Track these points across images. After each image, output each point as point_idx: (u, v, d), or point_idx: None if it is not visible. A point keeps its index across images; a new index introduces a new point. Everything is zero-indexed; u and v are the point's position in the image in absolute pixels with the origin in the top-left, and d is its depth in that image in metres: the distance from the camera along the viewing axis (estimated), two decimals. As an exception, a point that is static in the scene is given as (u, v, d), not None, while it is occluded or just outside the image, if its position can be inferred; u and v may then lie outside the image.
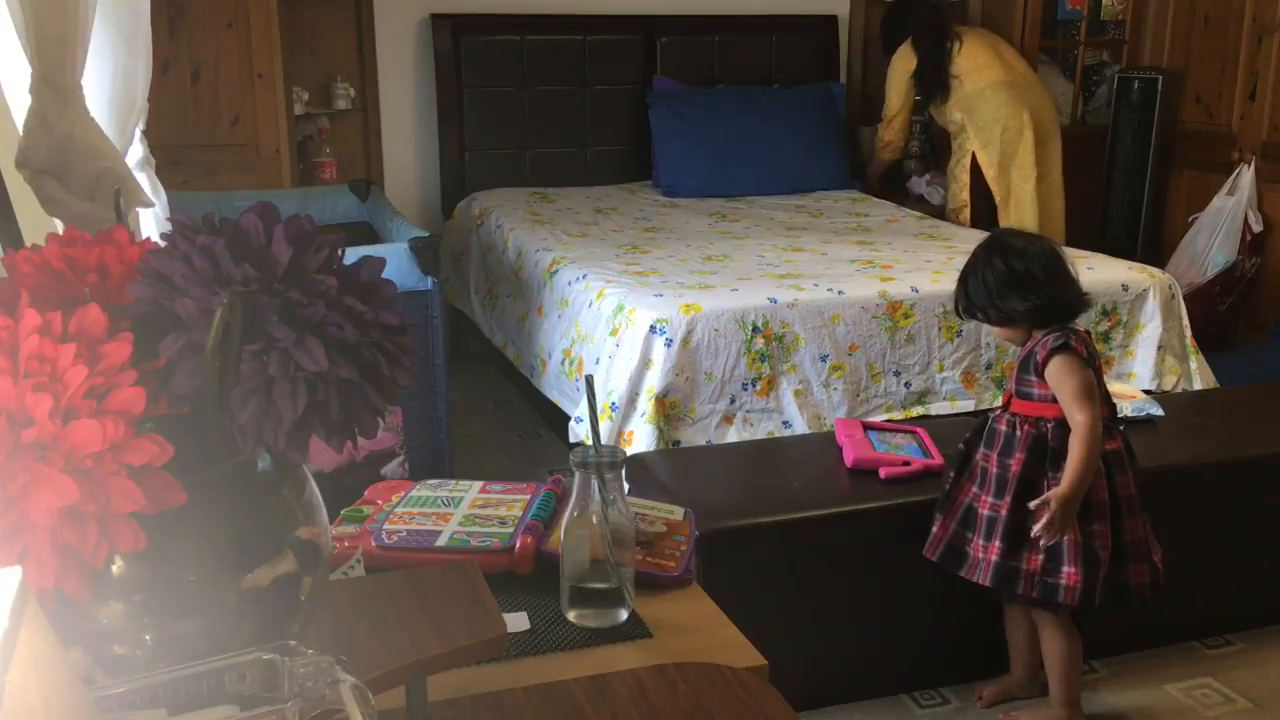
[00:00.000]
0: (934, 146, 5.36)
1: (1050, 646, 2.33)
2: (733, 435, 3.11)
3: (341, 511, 1.50)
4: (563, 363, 3.48)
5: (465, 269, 4.54)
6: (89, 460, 0.69)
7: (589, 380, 1.41)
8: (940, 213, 4.77)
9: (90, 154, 1.75)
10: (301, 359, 0.76)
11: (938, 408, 3.30)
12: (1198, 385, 3.51)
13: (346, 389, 0.79)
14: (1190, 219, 4.93)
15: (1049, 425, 2.22)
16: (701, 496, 2.41)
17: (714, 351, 3.08)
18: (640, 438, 3.02)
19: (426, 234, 3.23)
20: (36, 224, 1.74)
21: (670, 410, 3.07)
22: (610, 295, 3.29)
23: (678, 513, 1.56)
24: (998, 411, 2.33)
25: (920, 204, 4.99)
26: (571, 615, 1.32)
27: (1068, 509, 2.15)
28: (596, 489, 1.29)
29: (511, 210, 4.42)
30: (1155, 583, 2.27)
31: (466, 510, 1.50)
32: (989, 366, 3.34)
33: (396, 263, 3.03)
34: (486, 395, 4.45)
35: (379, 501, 1.54)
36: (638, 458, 2.69)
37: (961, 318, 2.40)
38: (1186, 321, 3.57)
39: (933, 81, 4.58)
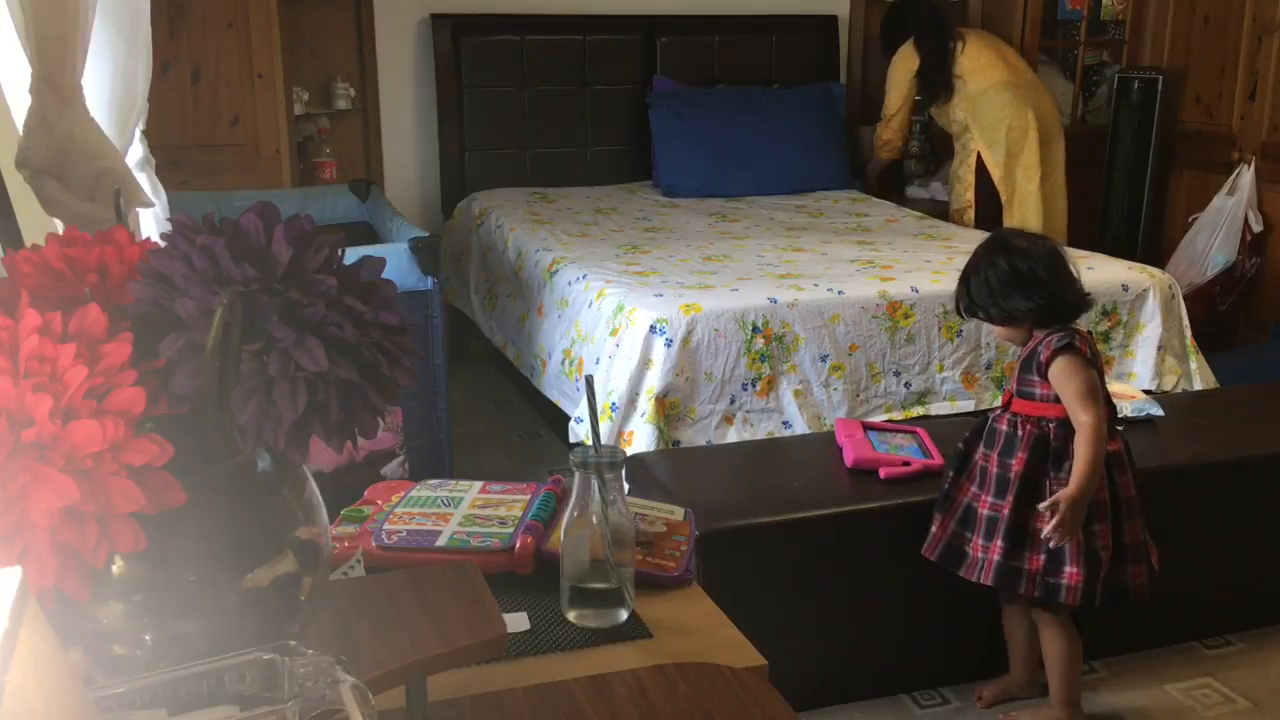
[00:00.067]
0: (933, 146, 5.36)
1: (1050, 647, 2.33)
2: (733, 435, 3.11)
3: (341, 511, 1.50)
4: (563, 363, 3.48)
5: (465, 269, 4.54)
6: (89, 460, 0.69)
7: (589, 380, 1.41)
8: (941, 212, 4.76)
9: (90, 154, 1.75)
10: (301, 359, 0.76)
11: (938, 408, 3.30)
12: (1198, 385, 3.51)
13: (346, 389, 0.79)
14: (1190, 219, 4.93)
15: (1051, 425, 2.22)
16: (701, 496, 2.41)
17: (714, 351, 3.08)
18: (640, 438, 3.02)
19: (426, 234, 3.23)
20: (36, 224, 1.74)
21: (670, 410, 3.07)
22: (610, 295, 3.29)
23: (678, 513, 1.56)
24: (998, 411, 2.33)
25: (921, 205, 4.98)
26: (571, 615, 1.32)
27: (1077, 510, 2.15)
28: (596, 489, 1.29)
29: (511, 210, 4.42)
30: (1153, 584, 2.27)
31: (466, 510, 1.50)
32: (989, 366, 3.35)
33: (396, 263, 3.03)
34: (486, 395, 4.45)
35: (379, 501, 1.54)
36: (638, 458, 2.69)
37: (963, 317, 2.40)
38: (1186, 321, 3.57)
39: (936, 81, 4.57)
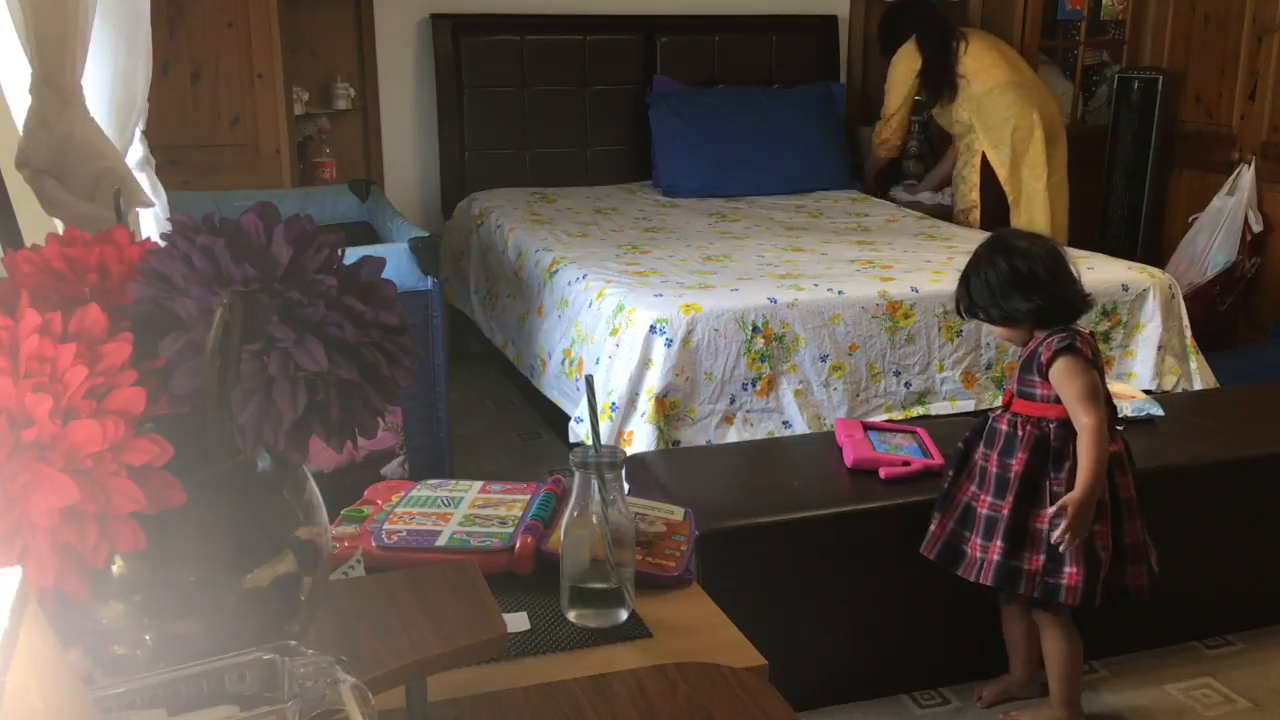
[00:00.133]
0: (932, 146, 5.36)
1: (1051, 647, 2.33)
2: (733, 435, 3.11)
3: (341, 511, 1.50)
4: (563, 363, 3.48)
5: (465, 269, 4.54)
6: (89, 460, 0.69)
7: (589, 380, 1.41)
8: (940, 213, 4.76)
9: (90, 154, 1.75)
10: (301, 359, 0.76)
11: (938, 408, 3.30)
12: (1198, 385, 3.51)
13: (346, 389, 0.79)
14: (1190, 219, 4.93)
15: (1051, 426, 2.22)
16: (701, 496, 2.41)
17: (714, 351, 3.08)
18: (640, 438, 3.02)
19: (426, 234, 3.23)
20: (36, 224, 1.74)
21: (670, 410, 3.07)
22: (610, 295, 3.29)
23: (678, 513, 1.56)
24: (998, 411, 2.33)
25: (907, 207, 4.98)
26: (571, 615, 1.32)
27: (1084, 512, 2.15)
28: (596, 489, 1.29)
29: (511, 210, 4.42)
30: (1153, 585, 2.27)
31: (466, 510, 1.50)
32: (989, 366, 3.35)
33: (396, 263, 3.03)
34: (486, 395, 4.45)
35: (379, 501, 1.54)
36: (638, 458, 2.69)
37: (963, 317, 2.40)
38: (1186, 321, 3.57)
39: (940, 81, 4.56)
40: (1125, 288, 3.47)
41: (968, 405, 3.30)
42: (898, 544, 2.40)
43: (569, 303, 3.50)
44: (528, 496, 1.54)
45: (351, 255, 0.84)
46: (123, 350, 0.73)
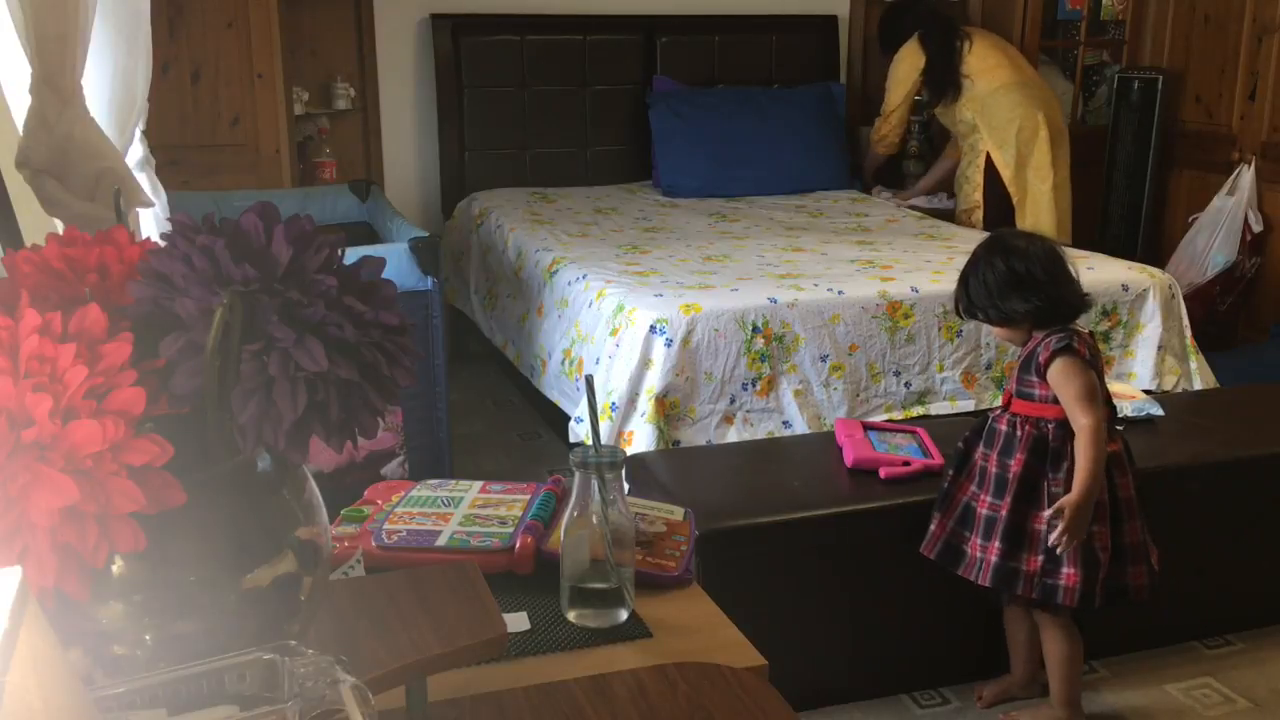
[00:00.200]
0: (933, 146, 5.36)
1: (1051, 647, 2.33)
2: (733, 435, 3.11)
3: (341, 511, 1.50)
4: (563, 363, 3.48)
5: (465, 269, 4.54)
6: (89, 460, 0.69)
7: (589, 380, 1.41)
8: (940, 213, 4.76)
9: (90, 154, 1.75)
10: (301, 359, 0.76)
11: (938, 408, 3.30)
12: (1198, 385, 3.51)
13: (346, 389, 0.79)
14: (1190, 219, 4.93)
15: (1050, 426, 2.22)
16: (701, 496, 2.41)
17: (714, 351, 3.08)
18: (640, 438, 3.02)
19: (426, 234, 3.23)
20: (36, 224, 1.74)
21: (670, 410, 3.07)
22: (610, 295, 3.29)
23: (678, 513, 1.56)
24: (997, 411, 2.33)
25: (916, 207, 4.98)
26: (571, 615, 1.32)
27: (1082, 514, 2.15)
28: (596, 489, 1.29)
29: (511, 210, 4.42)
30: (1153, 585, 2.27)
31: (466, 510, 1.50)
32: (989, 366, 3.35)
33: (396, 263, 3.03)
34: (486, 395, 4.45)
35: (379, 501, 1.54)
36: (638, 458, 2.69)
37: (962, 318, 2.40)
38: (1186, 321, 3.57)
39: (944, 80, 4.54)
40: (1125, 288, 3.47)
41: (968, 405, 3.30)
42: (898, 544, 2.40)
43: (569, 303, 3.50)
44: (528, 496, 1.54)
45: (351, 255, 0.84)
46: (123, 350, 0.73)
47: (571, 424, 3.27)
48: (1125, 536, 2.24)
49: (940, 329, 3.28)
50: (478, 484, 1.59)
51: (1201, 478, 2.66)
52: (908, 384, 3.28)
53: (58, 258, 0.83)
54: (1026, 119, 4.44)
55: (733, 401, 3.12)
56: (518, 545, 1.40)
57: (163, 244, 0.81)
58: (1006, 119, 4.45)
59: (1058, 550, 2.17)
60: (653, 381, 3.04)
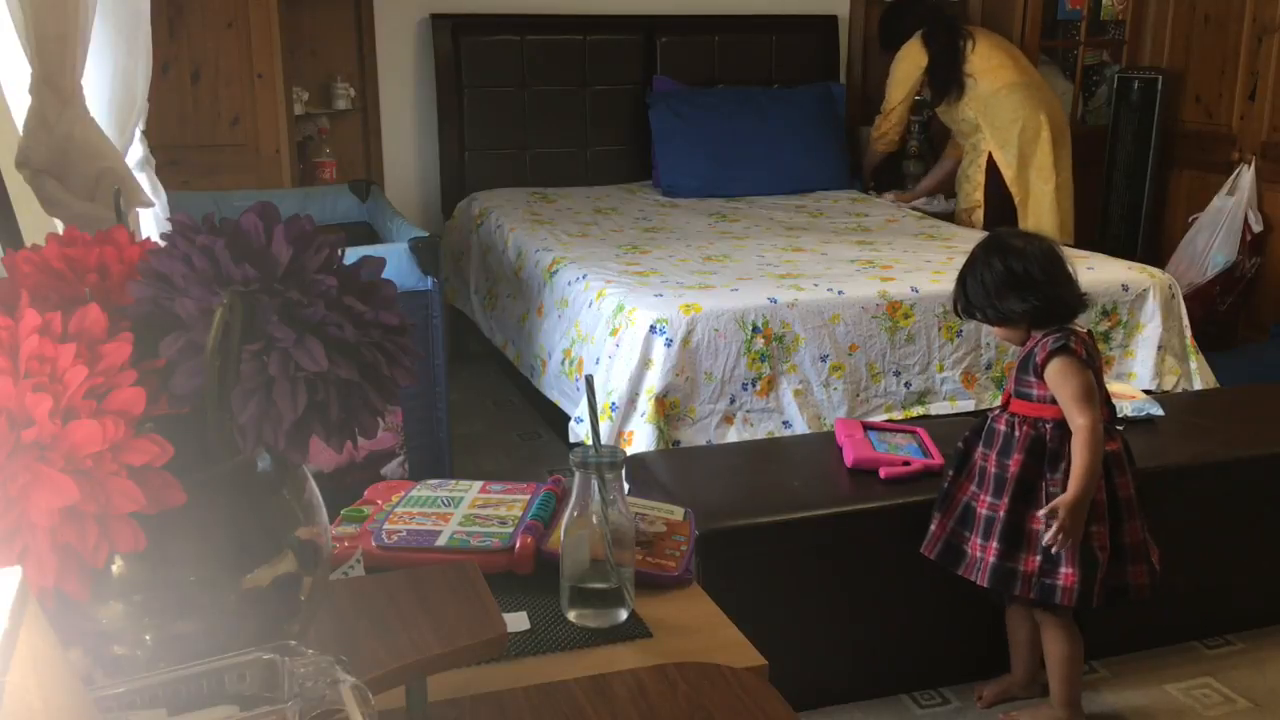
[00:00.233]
0: (933, 146, 5.35)
1: (1052, 647, 2.33)
2: (733, 435, 3.11)
3: (341, 511, 1.50)
4: (563, 363, 3.48)
5: (465, 269, 4.54)
6: (89, 460, 0.69)
7: (589, 380, 1.41)
8: (939, 213, 4.76)
9: (90, 154, 1.75)
10: (301, 359, 0.76)
11: (938, 408, 3.30)
12: (1198, 385, 3.51)
13: (346, 389, 0.79)
14: (1190, 219, 4.93)
15: (1047, 426, 2.22)
16: (701, 496, 2.41)
17: (714, 351, 3.08)
18: (640, 438, 3.02)
19: (426, 234, 3.23)
20: (36, 224, 1.74)
21: (670, 410, 3.07)
22: (610, 295, 3.29)
23: (678, 513, 1.56)
24: (996, 411, 2.33)
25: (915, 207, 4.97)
26: (571, 615, 1.32)
27: (1076, 514, 2.15)
28: (596, 489, 1.29)
29: (511, 210, 4.42)
30: (1154, 584, 2.27)
31: (466, 510, 1.50)
32: (989, 366, 3.35)
33: (396, 263, 3.03)
34: (486, 395, 4.45)
35: (379, 501, 1.54)
36: (638, 458, 2.69)
37: (961, 318, 2.40)
38: (1186, 321, 3.57)
39: (947, 79, 4.52)
40: (1125, 288, 3.47)
41: (968, 405, 3.30)
42: (898, 544, 2.40)
43: (569, 303, 3.50)
44: (528, 496, 1.54)
45: (351, 255, 0.84)
46: (123, 350, 0.73)
47: (571, 424, 3.27)
48: (1125, 536, 2.24)
49: (940, 329, 3.28)
50: (478, 484, 1.59)
51: (1201, 478, 2.66)
52: (908, 384, 3.28)
53: (58, 258, 0.83)
54: (1029, 119, 4.44)
55: (733, 401, 3.12)
56: (518, 545, 1.40)
57: (163, 244, 0.81)
58: (1009, 119, 4.44)
59: (1053, 550, 2.17)
60: (653, 381, 3.04)
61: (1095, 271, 3.46)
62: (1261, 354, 4.31)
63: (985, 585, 2.25)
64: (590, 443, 1.32)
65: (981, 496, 2.27)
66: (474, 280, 4.44)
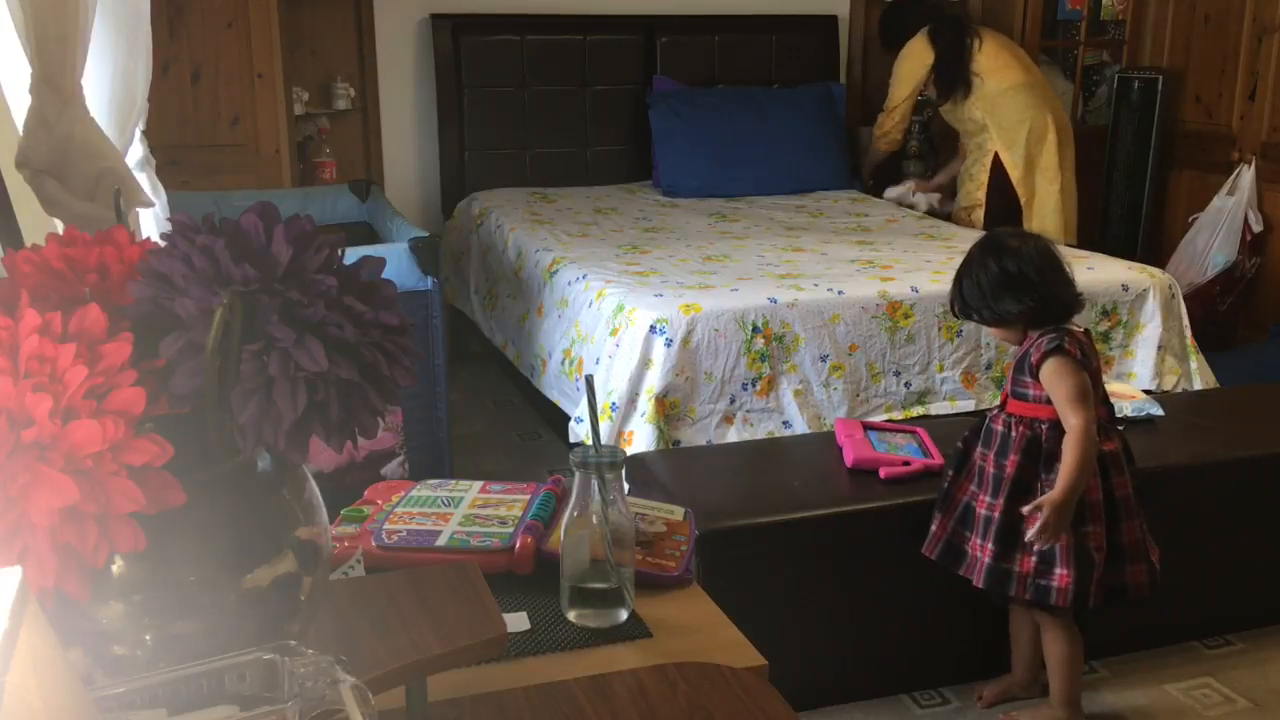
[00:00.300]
0: (933, 146, 5.35)
1: (1051, 648, 2.33)
2: (733, 435, 3.11)
3: (341, 511, 1.50)
4: (563, 363, 3.48)
5: (465, 269, 4.54)
6: (89, 460, 0.69)
7: (589, 380, 1.41)
8: (939, 213, 4.75)
9: (90, 154, 1.75)
10: (301, 359, 0.76)
11: (938, 408, 3.30)
12: (1198, 385, 3.51)
13: (346, 389, 0.79)
14: (1190, 219, 4.93)
15: (1043, 427, 2.22)
16: (701, 496, 2.41)
17: (714, 351, 3.08)
18: (640, 438, 3.02)
19: (426, 234, 3.23)
20: (36, 224, 1.74)
21: (670, 410, 3.07)
22: (610, 295, 3.29)
23: (678, 513, 1.56)
24: (994, 411, 2.33)
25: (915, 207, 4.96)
26: (571, 615, 1.32)
27: (1061, 513, 2.15)
28: (596, 489, 1.29)
29: (511, 210, 4.42)
30: (1153, 583, 2.27)
31: (466, 510, 1.50)
32: (989, 366, 3.35)
33: (396, 263, 3.03)
34: (486, 395, 4.45)
35: (379, 501, 1.54)
36: (638, 458, 2.69)
37: (958, 318, 2.40)
38: (1186, 321, 3.57)
39: (954, 77, 4.49)
40: (1125, 288, 3.47)
41: (968, 405, 3.30)
42: (898, 544, 2.40)
43: (569, 303, 3.50)
44: (528, 496, 1.54)
45: (351, 255, 0.84)
46: (123, 350, 0.73)
47: (571, 424, 3.27)
48: (1123, 535, 2.24)
49: (940, 329, 3.28)
50: (478, 484, 1.59)
51: (1201, 478, 2.66)
52: (908, 384, 3.28)
53: (58, 258, 0.83)
54: (1037, 120, 4.43)
55: (733, 401, 3.12)
56: (518, 545, 1.40)
57: (163, 244, 0.81)
58: (1017, 120, 4.43)
59: (1036, 547, 2.17)
60: (653, 381, 3.04)
61: (1095, 271, 3.46)
62: (1261, 354, 4.31)
63: (981, 586, 2.25)
64: (590, 443, 1.32)
65: (981, 496, 2.28)
66: (474, 280, 4.44)
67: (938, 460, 2.53)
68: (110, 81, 2.18)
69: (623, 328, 3.14)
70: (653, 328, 3.05)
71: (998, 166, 4.49)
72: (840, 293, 3.25)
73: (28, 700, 0.58)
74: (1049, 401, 2.20)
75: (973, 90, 4.48)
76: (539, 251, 3.87)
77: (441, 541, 1.41)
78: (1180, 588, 2.50)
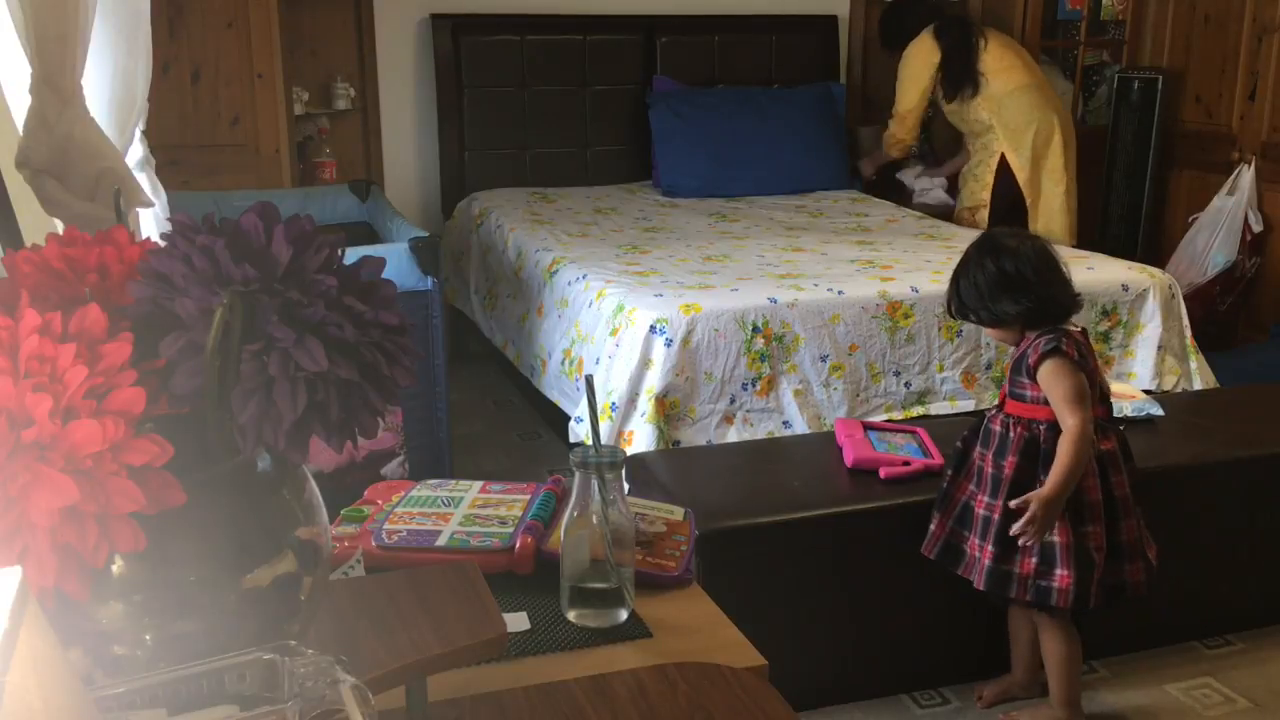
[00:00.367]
0: (933, 146, 5.35)
1: (1050, 648, 2.33)
2: (733, 435, 3.11)
3: (341, 511, 1.50)
4: (563, 363, 3.48)
5: (465, 269, 4.54)
6: (89, 460, 0.69)
7: (589, 380, 1.41)
8: (939, 212, 4.75)
9: (90, 154, 1.75)
10: (301, 359, 0.76)
11: (938, 408, 3.30)
12: (1198, 385, 3.51)
13: (346, 389, 0.79)
14: (1190, 219, 4.93)
15: (1041, 428, 2.22)
16: (701, 496, 2.41)
17: (714, 351, 3.08)
18: (640, 438, 3.02)
19: (426, 234, 3.23)
20: (36, 224, 1.74)
21: (670, 410, 3.07)
22: (610, 295, 3.29)
23: (678, 513, 1.56)
24: (993, 411, 2.33)
25: (919, 204, 4.96)
26: (571, 615, 1.32)
27: (1049, 510, 2.15)
28: (596, 489, 1.29)
29: (511, 210, 4.42)
30: (1150, 580, 2.27)
31: (466, 510, 1.50)
32: (989, 366, 3.35)
33: (396, 263, 3.03)
34: (486, 395, 4.45)
35: (379, 501, 1.54)
36: (638, 458, 2.69)
37: (955, 319, 2.40)
38: (1186, 321, 3.57)
39: (962, 76, 4.47)
40: (1125, 288, 3.47)
41: (968, 405, 3.30)
42: (898, 544, 2.40)
43: (569, 303, 3.50)
44: (528, 496, 1.54)
45: (351, 255, 0.84)
46: (123, 350, 0.73)
47: (571, 424, 3.27)
48: (1122, 534, 2.24)
49: (940, 329, 3.28)
50: (478, 484, 1.59)
51: (1201, 478, 2.66)
52: (908, 384, 3.28)
53: (58, 258, 0.83)
54: (1043, 122, 4.42)
55: (733, 401, 3.12)
56: (518, 545, 1.40)
57: (163, 244, 0.81)
58: (1024, 121, 4.43)
59: (1020, 542, 2.17)
60: (653, 381, 3.04)
61: (1095, 271, 3.46)
62: (1261, 354, 4.31)
63: (982, 589, 2.25)
64: (590, 443, 1.32)
65: (980, 496, 2.27)
66: (474, 280, 4.44)
67: (938, 460, 2.53)
68: (110, 81, 2.18)
69: (623, 328, 3.14)
70: (653, 328, 3.05)
71: (1003, 167, 4.48)
72: (840, 293, 3.25)
73: (28, 700, 0.58)
74: (1046, 402, 2.20)
75: (980, 90, 4.47)
76: (539, 251, 3.87)
77: (441, 541, 1.41)
78: (1180, 588, 2.50)
